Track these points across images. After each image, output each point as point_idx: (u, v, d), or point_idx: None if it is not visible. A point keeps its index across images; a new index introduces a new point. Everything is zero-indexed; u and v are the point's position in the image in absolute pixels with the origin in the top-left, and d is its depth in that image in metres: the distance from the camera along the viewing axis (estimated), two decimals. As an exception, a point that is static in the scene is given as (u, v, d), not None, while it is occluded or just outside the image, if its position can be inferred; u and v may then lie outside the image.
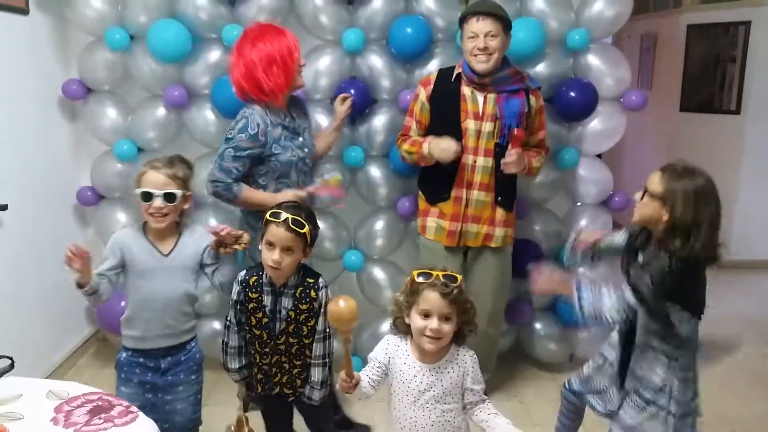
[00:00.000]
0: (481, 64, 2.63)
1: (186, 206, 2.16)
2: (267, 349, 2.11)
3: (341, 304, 1.62)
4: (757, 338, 3.81)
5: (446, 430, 1.81)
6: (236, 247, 2.15)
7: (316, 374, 2.12)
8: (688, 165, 1.90)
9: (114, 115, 3.21)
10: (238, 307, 2.10)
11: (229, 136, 2.42)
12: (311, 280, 2.08)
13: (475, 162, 2.71)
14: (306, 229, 1.98)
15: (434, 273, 1.76)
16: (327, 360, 2.13)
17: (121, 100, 3.26)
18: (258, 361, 2.15)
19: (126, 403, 1.65)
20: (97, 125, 3.23)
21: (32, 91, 3.10)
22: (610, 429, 2.17)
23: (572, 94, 3.10)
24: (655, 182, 1.90)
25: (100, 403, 1.63)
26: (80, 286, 2.01)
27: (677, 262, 1.83)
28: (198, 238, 2.20)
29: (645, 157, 6.24)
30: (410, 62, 3.14)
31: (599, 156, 3.47)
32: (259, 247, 2.03)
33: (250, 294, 2.07)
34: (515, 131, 2.65)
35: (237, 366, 2.17)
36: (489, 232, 2.80)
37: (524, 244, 3.20)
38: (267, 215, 2.00)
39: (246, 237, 2.16)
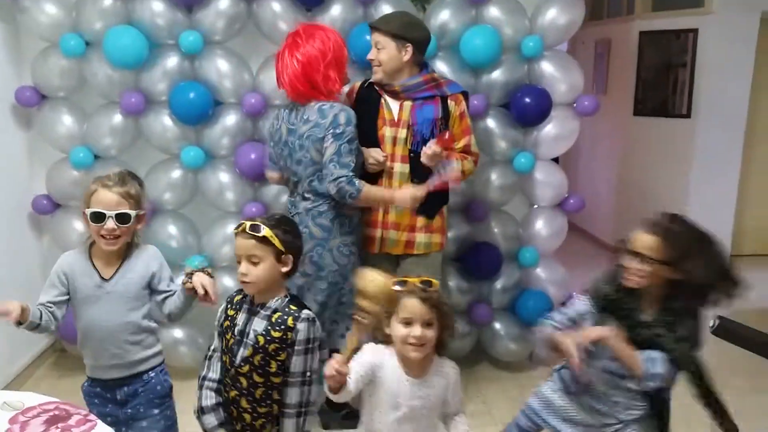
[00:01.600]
0: (373, 75, 2.75)
1: (139, 226, 2.00)
2: (227, 379, 1.88)
3: (375, 278, 1.65)
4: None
5: None
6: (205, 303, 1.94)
7: (288, 427, 1.85)
8: (669, 216, 1.90)
9: (69, 122, 3.15)
10: (218, 328, 1.93)
11: (338, 131, 2.44)
12: (294, 308, 1.85)
13: (392, 168, 2.73)
14: (266, 233, 1.79)
15: (410, 280, 1.76)
16: (303, 410, 1.86)
17: (77, 106, 3.21)
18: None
19: (84, 412, 1.64)
20: (52, 132, 3.17)
21: (-16, 97, 3.05)
22: None
23: (527, 100, 3.17)
24: (654, 248, 1.83)
25: (57, 412, 1.61)
26: (19, 323, 1.82)
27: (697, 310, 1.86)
28: (148, 260, 2.02)
29: (600, 159, 6.39)
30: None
31: (556, 160, 3.55)
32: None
33: (229, 311, 1.92)
34: (446, 134, 2.65)
35: (213, 402, 1.89)
36: (410, 239, 2.78)
37: (483, 247, 3.26)
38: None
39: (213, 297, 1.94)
